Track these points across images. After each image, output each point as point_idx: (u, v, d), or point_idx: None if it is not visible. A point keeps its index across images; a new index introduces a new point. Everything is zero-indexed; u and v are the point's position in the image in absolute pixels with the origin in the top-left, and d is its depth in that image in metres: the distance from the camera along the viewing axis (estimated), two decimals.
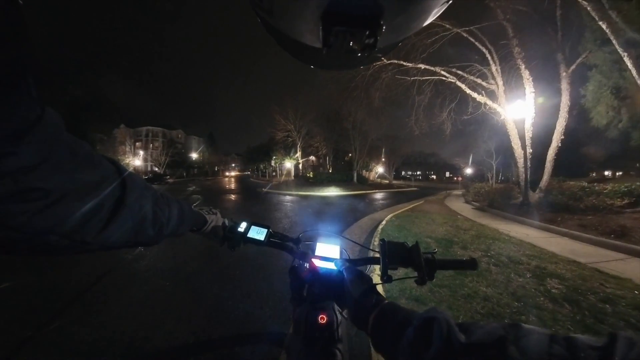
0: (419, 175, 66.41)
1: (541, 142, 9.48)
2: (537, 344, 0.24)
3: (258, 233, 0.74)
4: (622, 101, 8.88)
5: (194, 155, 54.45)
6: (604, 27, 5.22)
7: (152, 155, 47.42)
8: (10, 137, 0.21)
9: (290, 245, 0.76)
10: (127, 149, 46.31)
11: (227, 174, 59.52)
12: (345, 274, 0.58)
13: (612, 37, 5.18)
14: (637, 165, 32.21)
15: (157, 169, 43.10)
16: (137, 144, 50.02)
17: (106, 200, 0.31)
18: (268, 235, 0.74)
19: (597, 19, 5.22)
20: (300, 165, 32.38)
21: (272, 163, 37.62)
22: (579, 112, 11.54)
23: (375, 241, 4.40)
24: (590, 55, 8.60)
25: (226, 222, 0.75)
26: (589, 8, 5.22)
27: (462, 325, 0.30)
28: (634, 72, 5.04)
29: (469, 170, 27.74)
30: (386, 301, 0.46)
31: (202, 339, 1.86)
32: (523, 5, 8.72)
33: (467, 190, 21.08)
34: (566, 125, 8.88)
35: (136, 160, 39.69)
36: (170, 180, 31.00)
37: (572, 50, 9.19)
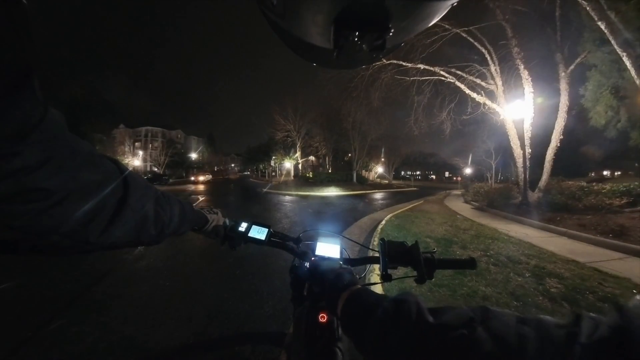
0: (419, 175, 66.44)
1: (540, 142, 9.49)
2: (505, 324, 0.25)
3: (259, 233, 0.75)
4: (621, 101, 8.92)
5: (194, 156, 54.31)
6: (602, 27, 5.23)
7: (152, 156, 47.33)
8: (14, 136, 0.21)
9: (291, 244, 0.76)
10: (127, 149, 46.26)
11: (197, 177, 36.59)
12: (320, 262, 0.61)
13: (610, 37, 5.19)
14: (636, 164, 32.36)
15: (156, 169, 42.99)
16: (136, 144, 49.95)
17: (108, 200, 0.31)
18: (269, 235, 0.75)
19: (596, 18, 5.24)
20: (300, 166, 32.39)
21: (272, 163, 37.59)
22: (577, 112, 11.58)
23: (375, 241, 4.40)
24: (589, 55, 8.62)
25: (227, 221, 0.75)
26: (588, 8, 5.24)
27: (433, 309, 0.31)
28: (632, 72, 5.05)
29: (468, 170, 27.78)
30: (359, 285, 0.46)
31: (202, 339, 1.86)
32: (522, 6, 8.75)
33: (467, 190, 21.15)
34: (565, 125, 8.91)
35: (135, 161, 39.61)
36: (171, 181, 30.87)
37: (571, 51, 9.21)
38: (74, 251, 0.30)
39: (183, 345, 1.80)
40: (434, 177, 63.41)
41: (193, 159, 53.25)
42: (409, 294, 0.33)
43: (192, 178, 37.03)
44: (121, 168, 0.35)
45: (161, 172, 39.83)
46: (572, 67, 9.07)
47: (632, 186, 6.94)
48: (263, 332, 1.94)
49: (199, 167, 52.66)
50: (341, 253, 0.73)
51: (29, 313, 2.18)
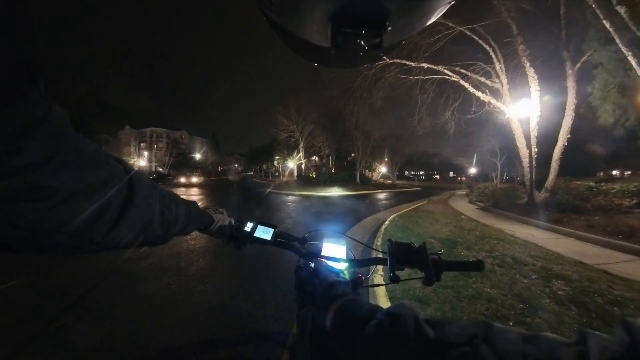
0: (422, 175, 66.00)
1: (546, 141, 9.33)
2: (510, 343, 0.23)
3: (265, 233, 0.74)
4: (629, 99, 8.72)
5: (198, 156, 54.73)
6: (607, 25, 5.13)
7: (157, 156, 47.93)
8: (17, 133, 0.20)
9: (296, 245, 0.76)
10: (132, 149, 46.86)
11: (188, 179, 24.87)
12: (318, 266, 0.61)
13: (615, 37, 5.08)
14: None
15: (161, 170, 43.48)
16: (141, 144, 50.60)
17: (114, 200, 0.31)
18: (274, 235, 0.74)
19: (601, 17, 5.13)
20: (303, 166, 32.45)
21: (275, 163, 37.71)
22: (584, 111, 11.35)
23: (379, 242, 4.38)
24: (595, 54, 8.46)
25: (232, 221, 0.75)
26: (593, 6, 5.14)
27: (430, 321, 0.28)
28: (638, 71, 4.94)
29: (473, 170, 27.53)
30: (351, 296, 0.44)
31: (206, 339, 1.85)
32: (526, 4, 8.61)
33: (471, 190, 20.94)
34: (572, 124, 8.75)
35: (141, 161, 40.03)
36: (175, 181, 30.96)
37: (576, 49, 9.05)
38: (79, 251, 0.29)
39: (186, 344, 1.79)
40: (438, 177, 62.91)
41: (197, 159, 53.68)
42: (404, 306, 0.30)
43: (182, 179, 24.43)
44: (127, 167, 0.34)
45: (166, 173, 40.25)
46: (578, 64, 8.91)
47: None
48: (266, 332, 1.93)
49: (198, 167, 51.57)
50: (347, 254, 0.72)
51: (35, 311, 2.19)
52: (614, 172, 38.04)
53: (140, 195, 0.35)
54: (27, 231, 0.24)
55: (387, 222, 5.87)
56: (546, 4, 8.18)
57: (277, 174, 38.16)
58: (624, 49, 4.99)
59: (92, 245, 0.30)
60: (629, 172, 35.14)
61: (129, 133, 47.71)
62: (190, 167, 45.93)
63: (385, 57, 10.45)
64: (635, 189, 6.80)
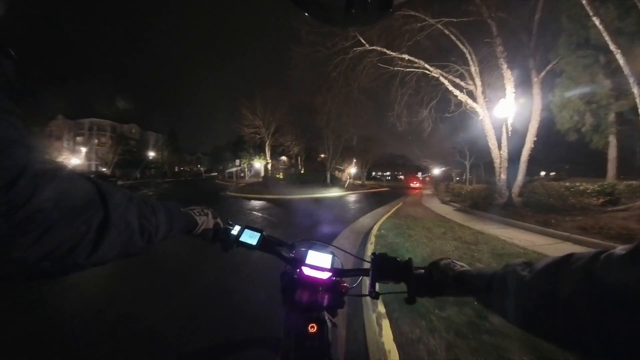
0: (389, 175, 68.97)
1: (511, 143, 9.71)
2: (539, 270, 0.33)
3: (251, 237, 0.75)
4: (588, 106, 9.47)
5: (151, 154, 48.55)
6: (597, 22, 5.10)
7: (98, 153, 41.34)
8: (3, 188, 0.23)
9: (283, 251, 0.77)
10: (65, 144, 39.68)
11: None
12: (300, 276, 0.70)
13: (605, 34, 5.06)
14: (567, 167, 37.70)
15: (104, 169, 37.40)
16: (77, 138, 43.28)
17: (92, 222, 0.31)
18: (261, 240, 0.75)
19: (591, 13, 5.08)
20: (270, 166, 30.69)
21: (237, 163, 35.24)
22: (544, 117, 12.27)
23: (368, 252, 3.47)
24: (561, 62, 8.97)
25: (220, 222, 0.74)
26: (584, 2, 5.04)
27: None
28: (626, 70, 4.98)
29: (436, 171, 29.12)
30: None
31: (193, 345, 1.79)
32: (502, 10, 8.71)
33: (436, 189, 21.88)
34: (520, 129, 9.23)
35: (75, 159, 33.55)
36: (120, 183, 26.39)
37: (542, 58, 9.58)
38: (64, 274, 0.31)
39: (175, 352, 1.73)
40: (402, 177, 66.22)
41: (150, 158, 47.67)
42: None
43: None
44: (100, 187, 0.34)
45: (109, 173, 34.63)
46: (543, 73, 9.38)
47: (605, 185, 7.17)
48: (257, 337, 1.73)
49: (150, 167, 45.39)
50: (332, 263, 0.72)
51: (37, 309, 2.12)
52: (542, 173, 43.08)
53: (116, 213, 0.34)
54: (17, 264, 0.25)
55: (373, 239, 4.74)
56: (521, 10, 8.32)
57: (242, 174, 35.63)
58: (612, 47, 4.97)
59: (76, 268, 0.31)
60: (554, 173, 40.38)
61: (62, 124, 40.48)
62: (140, 166, 40.16)
63: (365, 44, 9.85)
64: (599, 188, 7.12)
